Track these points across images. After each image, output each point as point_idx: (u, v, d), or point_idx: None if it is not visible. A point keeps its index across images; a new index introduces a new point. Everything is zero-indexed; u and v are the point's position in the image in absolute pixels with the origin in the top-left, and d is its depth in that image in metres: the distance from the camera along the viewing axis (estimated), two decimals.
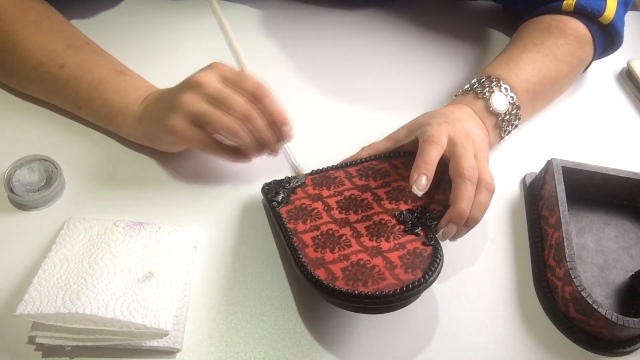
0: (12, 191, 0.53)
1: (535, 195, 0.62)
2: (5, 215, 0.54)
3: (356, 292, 0.44)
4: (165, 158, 0.60)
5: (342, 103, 0.69)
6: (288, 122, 0.53)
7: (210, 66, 0.53)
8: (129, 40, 0.71)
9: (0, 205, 0.54)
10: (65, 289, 0.45)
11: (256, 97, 0.52)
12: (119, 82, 0.58)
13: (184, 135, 0.52)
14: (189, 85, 0.51)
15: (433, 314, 0.52)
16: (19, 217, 0.54)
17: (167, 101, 0.53)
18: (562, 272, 0.52)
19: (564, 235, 0.53)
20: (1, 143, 0.59)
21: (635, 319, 0.48)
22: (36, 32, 0.59)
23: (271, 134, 0.53)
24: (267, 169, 0.59)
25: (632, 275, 0.57)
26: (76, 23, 0.67)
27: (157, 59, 0.69)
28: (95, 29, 0.70)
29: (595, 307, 0.49)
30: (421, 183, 0.49)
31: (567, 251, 0.52)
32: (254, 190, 0.58)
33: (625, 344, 0.52)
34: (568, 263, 0.51)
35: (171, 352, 0.47)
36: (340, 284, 0.45)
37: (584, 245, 0.59)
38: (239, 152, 0.54)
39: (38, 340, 0.44)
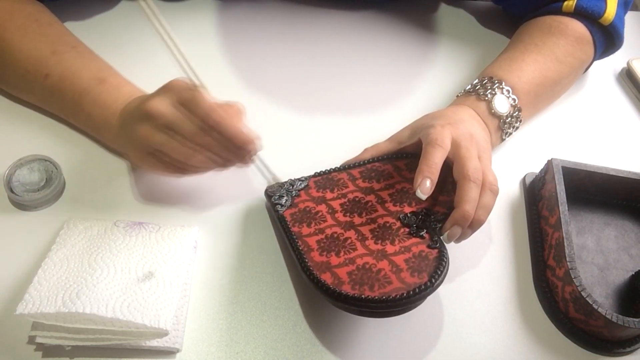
0: (12, 191, 0.53)
1: (535, 195, 0.62)
2: (5, 215, 0.54)
3: (363, 296, 0.44)
4: None
5: (343, 104, 0.69)
6: (249, 141, 0.49)
7: (165, 88, 0.49)
8: (125, 39, 0.71)
9: (0, 205, 0.54)
10: (65, 289, 0.45)
11: (208, 126, 0.48)
12: (98, 93, 0.56)
13: (146, 167, 0.52)
14: (142, 116, 0.49)
15: (433, 314, 0.52)
16: (19, 217, 0.54)
17: (127, 131, 0.52)
18: (562, 272, 0.52)
19: (564, 235, 0.53)
20: (1, 143, 0.59)
21: (635, 319, 0.48)
22: (23, 38, 0.58)
23: (234, 154, 0.50)
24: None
25: (632, 275, 0.57)
26: (73, 24, 0.66)
27: (155, 58, 0.69)
28: (92, 30, 0.70)
29: (595, 307, 0.49)
30: (425, 187, 0.49)
31: (567, 251, 0.52)
32: (254, 190, 0.58)
33: (625, 344, 0.52)
34: (568, 263, 0.51)
35: (171, 352, 0.47)
36: (346, 289, 0.45)
37: (584, 245, 0.59)
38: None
39: (38, 340, 0.44)
